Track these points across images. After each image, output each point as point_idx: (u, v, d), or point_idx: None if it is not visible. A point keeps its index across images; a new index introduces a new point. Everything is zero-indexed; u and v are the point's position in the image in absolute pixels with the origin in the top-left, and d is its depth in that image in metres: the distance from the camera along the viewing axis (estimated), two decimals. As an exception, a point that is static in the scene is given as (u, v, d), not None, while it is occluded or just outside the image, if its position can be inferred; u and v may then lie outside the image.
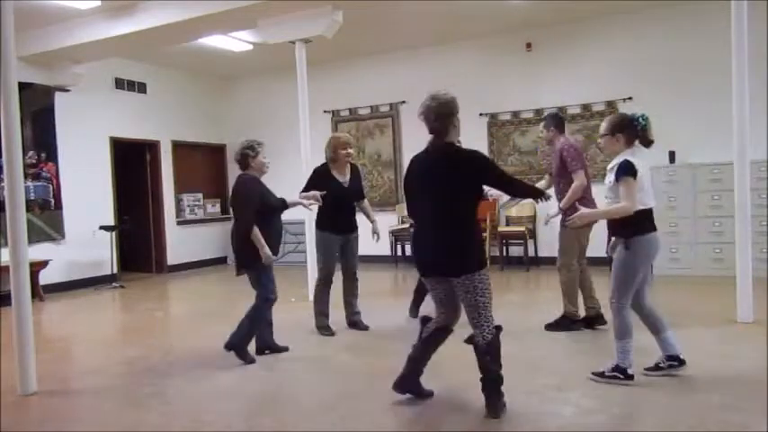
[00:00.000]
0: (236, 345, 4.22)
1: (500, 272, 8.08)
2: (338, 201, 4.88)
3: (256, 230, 4.12)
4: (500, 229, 8.41)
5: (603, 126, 3.59)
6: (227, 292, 8.03)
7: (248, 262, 4.22)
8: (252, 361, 4.24)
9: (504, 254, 8.41)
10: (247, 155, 4.32)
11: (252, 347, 4.50)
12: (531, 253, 8.28)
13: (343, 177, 5.04)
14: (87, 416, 3.52)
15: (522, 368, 3.87)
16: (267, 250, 4.14)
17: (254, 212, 4.15)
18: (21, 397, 3.78)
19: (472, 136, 6.94)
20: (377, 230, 5.20)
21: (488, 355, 3.09)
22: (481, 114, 8.51)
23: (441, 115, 3.10)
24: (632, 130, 3.48)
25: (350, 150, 5.06)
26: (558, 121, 4.96)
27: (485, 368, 3.10)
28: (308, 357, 4.41)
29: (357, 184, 5.16)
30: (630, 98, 7.83)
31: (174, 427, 3.22)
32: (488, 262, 8.39)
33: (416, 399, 3.36)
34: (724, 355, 4.05)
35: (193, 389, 3.83)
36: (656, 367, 3.63)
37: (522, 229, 8.18)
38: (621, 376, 3.49)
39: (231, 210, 4.36)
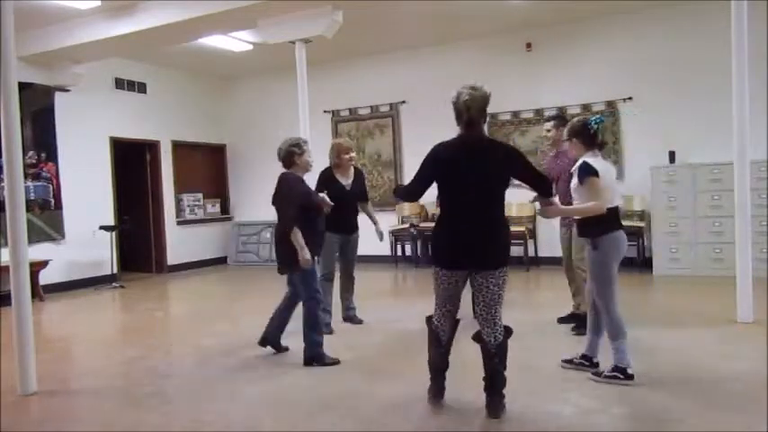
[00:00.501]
0: (313, 357, 4.17)
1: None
2: (339, 202, 4.93)
3: (297, 232, 4.02)
4: (500, 229, 8.40)
5: (564, 131, 3.78)
6: (228, 292, 8.04)
7: (292, 262, 4.11)
8: (336, 362, 4.17)
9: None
10: (293, 152, 4.21)
11: (251, 344, 4.50)
12: (531, 253, 8.28)
13: (346, 180, 5.23)
14: (87, 416, 3.52)
15: (521, 368, 3.88)
16: (306, 253, 4.04)
17: (297, 212, 4.06)
18: (21, 397, 3.77)
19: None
20: (380, 231, 5.39)
21: (497, 357, 3.09)
22: (481, 114, 8.50)
23: (481, 106, 3.10)
24: (585, 133, 3.60)
25: (352, 154, 5.28)
26: (565, 122, 4.99)
27: (491, 369, 3.10)
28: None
29: (360, 187, 5.36)
30: (630, 98, 7.84)
31: (174, 427, 3.22)
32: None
33: (416, 397, 3.36)
34: (724, 355, 4.05)
35: (193, 389, 3.83)
36: (571, 361, 3.82)
37: (522, 229, 8.17)
38: (621, 376, 3.50)
39: (275, 209, 4.25)
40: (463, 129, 3.14)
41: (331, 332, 5.00)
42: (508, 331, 3.17)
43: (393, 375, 3.91)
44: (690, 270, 7.13)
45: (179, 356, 4.67)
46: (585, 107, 8.06)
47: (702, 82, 7.32)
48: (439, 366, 3.27)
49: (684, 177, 7.20)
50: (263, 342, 4.46)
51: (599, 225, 3.49)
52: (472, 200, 3.06)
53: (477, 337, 3.17)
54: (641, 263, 7.56)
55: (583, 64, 8.11)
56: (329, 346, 4.48)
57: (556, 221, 4.87)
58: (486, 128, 9.08)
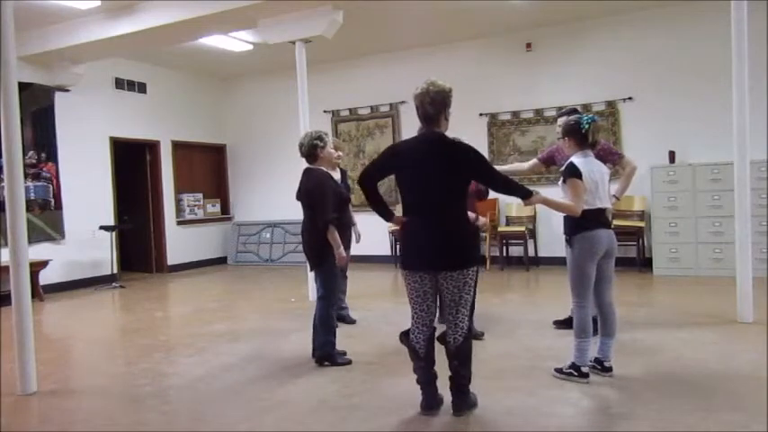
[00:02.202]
0: (325, 356, 4.15)
1: (500, 272, 8.08)
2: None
3: (334, 231, 4.00)
4: (500, 229, 8.41)
5: (558, 129, 3.80)
6: (227, 292, 8.03)
7: (323, 260, 4.11)
8: (348, 361, 4.16)
9: (504, 254, 8.41)
10: (316, 146, 4.13)
11: (250, 344, 4.49)
12: (531, 253, 8.28)
13: (336, 176, 5.20)
14: (87, 416, 3.51)
15: (521, 367, 3.88)
16: (343, 251, 4.06)
17: (332, 209, 4.00)
18: (21, 397, 3.78)
19: (472, 136, 6.92)
20: (358, 232, 5.35)
21: (457, 359, 3.06)
22: (481, 114, 8.51)
23: (437, 102, 2.99)
24: (577, 133, 3.58)
25: (340, 153, 5.35)
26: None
27: (452, 369, 3.09)
28: (308, 356, 4.39)
29: (345, 185, 5.37)
30: (630, 98, 7.84)
31: (174, 427, 3.22)
32: (488, 262, 8.44)
33: (416, 398, 3.36)
34: (724, 355, 4.04)
35: (193, 389, 3.83)
36: (560, 370, 3.66)
37: (522, 229, 8.17)
38: (576, 374, 3.55)
39: (302, 205, 4.19)
40: (422, 125, 3.10)
41: (336, 325, 5.00)
42: (471, 333, 3.14)
43: (393, 375, 3.90)
44: (690, 270, 7.13)
45: (179, 356, 4.67)
46: (586, 107, 8.05)
47: (702, 82, 7.32)
48: (423, 380, 3.16)
49: (684, 177, 7.20)
50: (317, 358, 4.24)
51: (575, 223, 3.52)
52: (428, 199, 3.00)
53: (441, 339, 3.14)
54: (641, 263, 7.56)
55: (583, 64, 8.11)
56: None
57: (558, 222, 4.86)
58: (485, 128, 9.01)
